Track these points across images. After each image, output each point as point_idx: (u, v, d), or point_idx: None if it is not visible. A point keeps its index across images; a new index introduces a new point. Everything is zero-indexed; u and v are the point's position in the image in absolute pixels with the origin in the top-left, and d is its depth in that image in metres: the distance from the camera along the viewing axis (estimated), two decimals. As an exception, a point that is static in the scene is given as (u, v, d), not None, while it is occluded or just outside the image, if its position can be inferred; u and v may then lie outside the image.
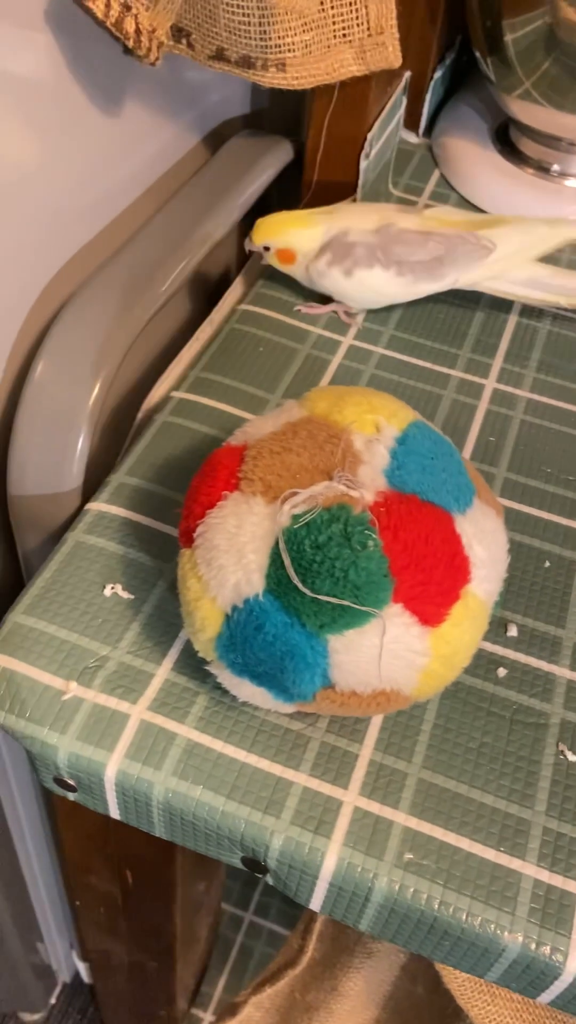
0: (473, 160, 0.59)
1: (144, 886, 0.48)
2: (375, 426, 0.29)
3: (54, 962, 0.86)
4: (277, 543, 0.27)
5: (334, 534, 0.26)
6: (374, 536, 0.26)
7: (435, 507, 0.28)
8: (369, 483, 0.28)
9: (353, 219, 0.45)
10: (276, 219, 0.45)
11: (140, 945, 0.55)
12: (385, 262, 0.43)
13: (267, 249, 0.45)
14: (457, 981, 0.39)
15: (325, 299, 0.48)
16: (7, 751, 0.56)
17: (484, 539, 0.29)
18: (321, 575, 0.26)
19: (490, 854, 0.29)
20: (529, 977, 0.29)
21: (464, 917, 0.28)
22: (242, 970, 0.71)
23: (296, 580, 0.26)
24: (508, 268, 0.45)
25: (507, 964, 0.28)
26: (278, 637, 0.27)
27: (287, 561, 0.26)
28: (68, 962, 0.86)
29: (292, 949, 0.54)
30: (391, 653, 0.27)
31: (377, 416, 0.30)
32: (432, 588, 0.27)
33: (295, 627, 0.26)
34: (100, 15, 0.34)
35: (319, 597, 0.26)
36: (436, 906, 0.28)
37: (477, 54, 0.55)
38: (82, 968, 0.85)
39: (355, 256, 0.43)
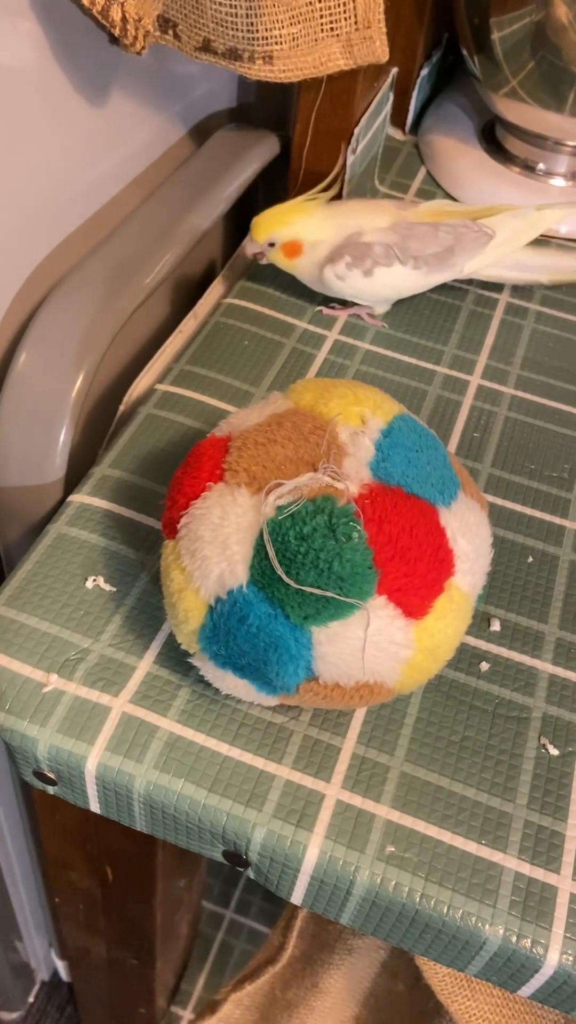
0: (459, 158, 0.59)
1: (124, 882, 0.47)
2: (360, 418, 0.29)
3: (33, 960, 0.85)
4: (261, 534, 0.26)
5: (319, 525, 0.26)
6: (359, 528, 0.26)
7: (420, 500, 0.28)
8: (354, 475, 0.28)
9: (361, 217, 0.44)
10: (275, 212, 0.44)
11: (120, 942, 0.54)
12: (403, 258, 0.44)
13: (272, 245, 0.44)
14: (438, 977, 0.39)
15: (343, 300, 0.47)
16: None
17: (468, 532, 0.29)
18: (305, 566, 0.26)
19: (472, 847, 0.29)
20: (510, 970, 0.29)
21: (445, 910, 0.28)
22: (222, 968, 0.71)
23: (280, 571, 0.26)
24: (506, 253, 0.46)
25: (488, 957, 0.28)
26: (262, 629, 0.26)
27: (271, 552, 0.26)
28: (47, 960, 0.86)
29: (273, 946, 0.54)
30: (375, 645, 0.27)
31: (363, 408, 0.29)
32: (416, 580, 0.27)
33: (279, 619, 0.26)
34: (86, 2, 0.34)
35: (303, 588, 0.26)
36: (418, 899, 0.28)
37: (464, 52, 0.55)
38: (61, 966, 0.84)
39: (374, 256, 0.43)
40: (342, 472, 0.28)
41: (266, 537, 0.26)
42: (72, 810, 0.43)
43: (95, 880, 0.48)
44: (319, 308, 0.47)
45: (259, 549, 0.26)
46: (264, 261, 0.46)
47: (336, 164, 0.50)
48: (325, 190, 0.46)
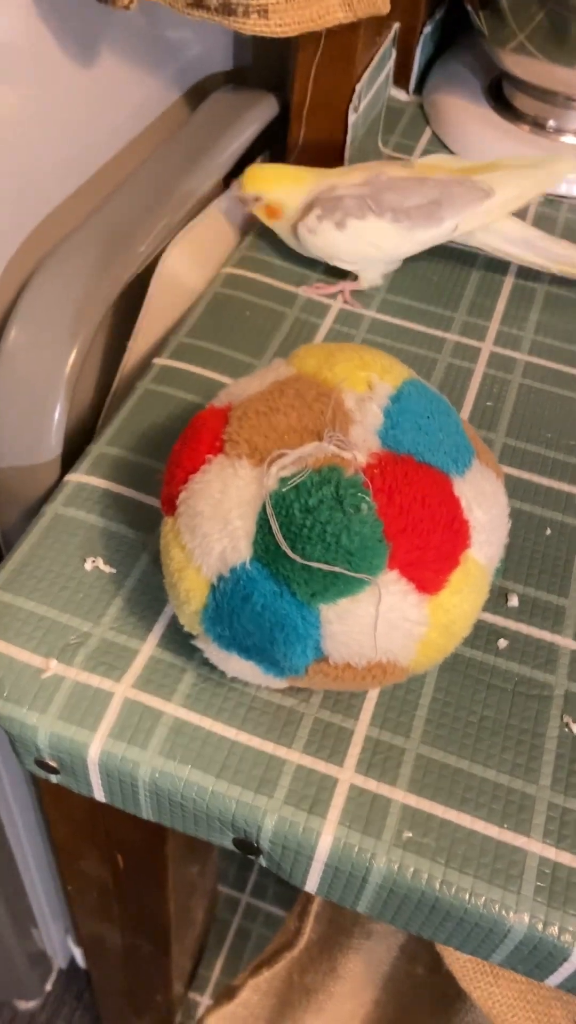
0: (466, 117, 0.57)
1: (136, 870, 0.46)
2: (367, 383, 0.28)
3: (49, 948, 0.85)
4: (264, 508, 0.25)
5: (325, 497, 0.24)
6: (367, 499, 0.25)
7: (432, 468, 0.27)
8: (361, 444, 0.26)
9: (339, 176, 0.43)
10: (271, 170, 0.43)
11: (134, 929, 0.54)
12: (378, 210, 0.41)
13: (258, 200, 0.43)
14: (459, 963, 0.38)
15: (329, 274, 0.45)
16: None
17: (484, 502, 0.28)
18: (312, 540, 0.24)
19: (493, 831, 0.28)
20: (536, 959, 0.27)
21: (467, 897, 0.27)
22: (239, 952, 0.71)
23: (285, 546, 0.24)
24: (508, 211, 0.43)
25: (512, 946, 0.27)
26: (267, 607, 0.25)
27: (275, 526, 0.25)
28: (63, 948, 0.86)
29: (289, 931, 0.53)
30: (387, 622, 0.25)
31: (370, 373, 0.28)
32: (430, 553, 0.26)
33: (285, 596, 0.25)
34: (68, -50, 0.32)
35: (310, 564, 0.24)
36: (437, 886, 0.27)
37: (468, 6, 0.53)
38: (78, 953, 0.84)
39: (345, 207, 0.41)
40: (349, 441, 0.26)
41: (269, 511, 0.25)
42: (79, 799, 0.42)
43: (106, 868, 0.47)
44: (302, 288, 0.45)
45: (262, 523, 0.25)
46: (248, 210, 0.45)
47: (337, 125, 0.48)
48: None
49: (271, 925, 0.72)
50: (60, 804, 0.43)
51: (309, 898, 0.53)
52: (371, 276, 0.44)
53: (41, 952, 0.84)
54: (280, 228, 0.44)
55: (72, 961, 0.88)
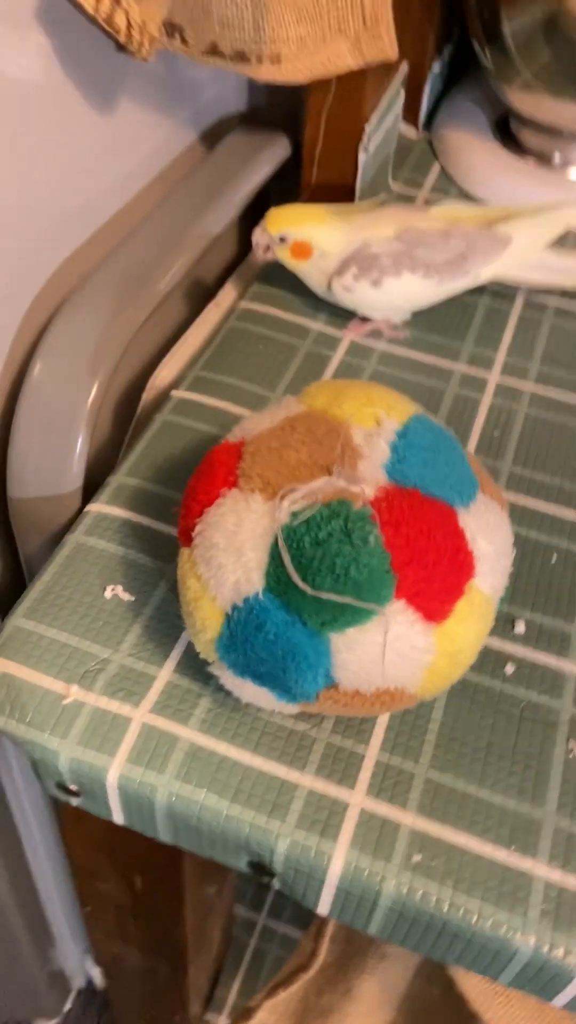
0: (473, 152, 0.58)
1: (153, 891, 0.47)
2: (375, 420, 0.29)
3: (67, 968, 0.85)
4: (276, 540, 0.26)
5: (334, 530, 0.26)
6: (375, 532, 0.26)
7: (437, 501, 0.28)
8: (369, 478, 0.27)
9: (370, 229, 0.44)
10: (295, 210, 0.43)
11: (152, 950, 0.54)
12: (412, 267, 0.43)
13: (283, 240, 0.43)
14: (471, 984, 0.38)
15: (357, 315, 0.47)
16: (14, 754, 0.56)
17: (488, 533, 0.29)
18: (322, 572, 0.25)
19: (500, 855, 0.29)
20: (543, 980, 0.28)
21: (475, 919, 0.27)
22: (256, 973, 0.71)
23: (296, 578, 0.25)
24: (524, 258, 0.45)
25: (519, 967, 0.28)
26: (279, 636, 0.26)
27: (286, 559, 0.26)
28: (82, 967, 0.86)
29: (305, 952, 0.54)
30: (395, 651, 0.26)
31: (377, 409, 0.29)
32: (435, 584, 0.27)
33: (296, 625, 0.26)
34: (91, 10, 0.34)
35: (320, 595, 0.25)
36: (446, 909, 0.28)
37: (476, 45, 0.55)
38: (96, 973, 0.84)
39: (381, 266, 0.42)
40: (357, 475, 0.27)
41: (281, 543, 0.26)
42: (98, 821, 0.43)
43: (124, 889, 0.48)
44: (344, 330, 0.46)
45: (274, 555, 0.26)
46: (269, 256, 0.44)
47: (348, 165, 0.50)
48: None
49: (288, 946, 0.72)
50: (79, 826, 0.44)
51: (325, 920, 0.53)
52: (400, 317, 0.46)
53: (60, 972, 0.84)
54: (306, 270, 0.44)
55: (90, 981, 0.88)
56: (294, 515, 0.26)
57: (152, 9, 0.36)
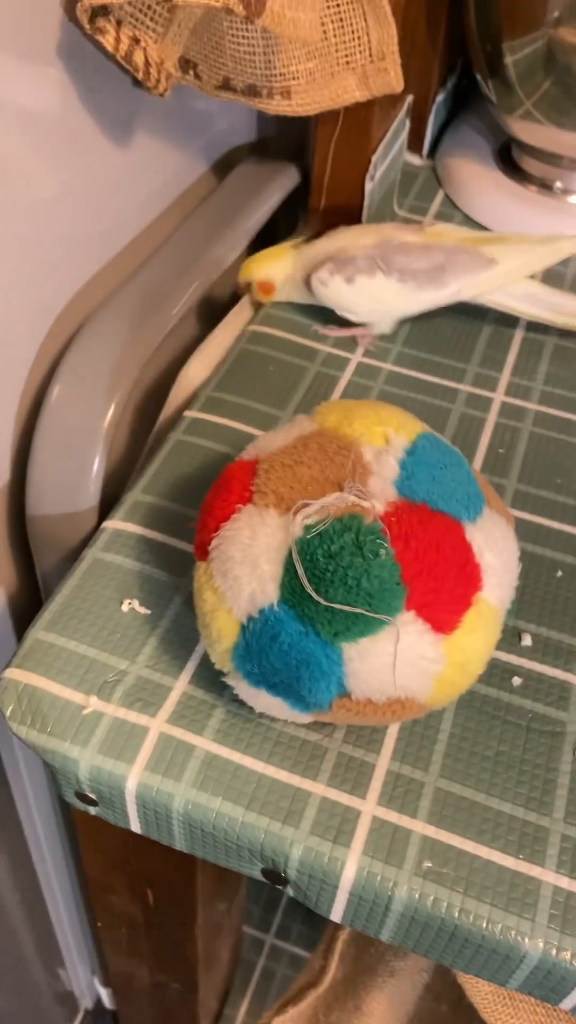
0: (476, 180, 0.60)
1: (165, 905, 0.48)
2: (384, 438, 0.30)
3: (76, 988, 0.85)
4: (291, 553, 0.27)
5: (346, 543, 0.27)
6: (386, 545, 0.27)
7: (445, 516, 0.29)
8: (379, 493, 0.28)
9: (349, 238, 0.46)
10: (252, 258, 0.48)
11: (162, 966, 0.55)
12: (387, 270, 0.44)
13: (249, 285, 0.48)
14: (480, 995, 0.39)
15: (344, 323, 0.48)
16: (27, 775, 0.57)
17: (495, 547, 0.29)
18: (334, 584, 0.26)
19: (509, 861, 0.29)
20: (551, 983, 0.29)
21: (484, 924, 0.28)
22: (264, 993, 0.71)
23: (310, 589, 0.26)
24: (509, 282, 0.46)
25: (528, 971, 0.28)
26: (293, 646, 0.27)
27: (300, 571, 0.27)
28: (90, 988, 0.86)
29: (314, 969, 0.54)
30: (405, 660, 0.27)
31: (386, 428, 0.30)
32: (444, 595, 0.27)
33: (310, 636, 0.27)
34: (111, 48, 0.36)
35: (333, 605, 0.26)
36: (456, 914, 0.28)
37: (478, 76, 0.56)
38: (104, 994, 0.84)
39: (355, 265, 0.44)
40: (367, 491, 0.28)
41: (295, 556, 0.27)
42: (113, 833, 0.43)
43: (136, 904, 0.49)
44: (313, 328, 0.48)
45: (289, 568, 0.27)
46: (253, 299, 0.50)
47: (355, 192, 0.51)
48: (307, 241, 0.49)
49: (296, 966, 0.72)
50: (94, 838, 0.45)
51: (334, 936, 0.53)
52: (382, 327, 0.48)
53: (68, 992, 0.84)
54: (283, 294, 0.48)
55: (99, 1002, 0.88)
56: (307, 529, 0.27)
57: (169, 47, 0.38)
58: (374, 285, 0.45)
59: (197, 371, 0.45)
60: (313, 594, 0.26)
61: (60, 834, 0.66)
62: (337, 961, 0.54)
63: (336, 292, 0.45)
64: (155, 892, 0.47)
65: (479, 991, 0.39)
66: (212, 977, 0.61)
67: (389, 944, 0.54)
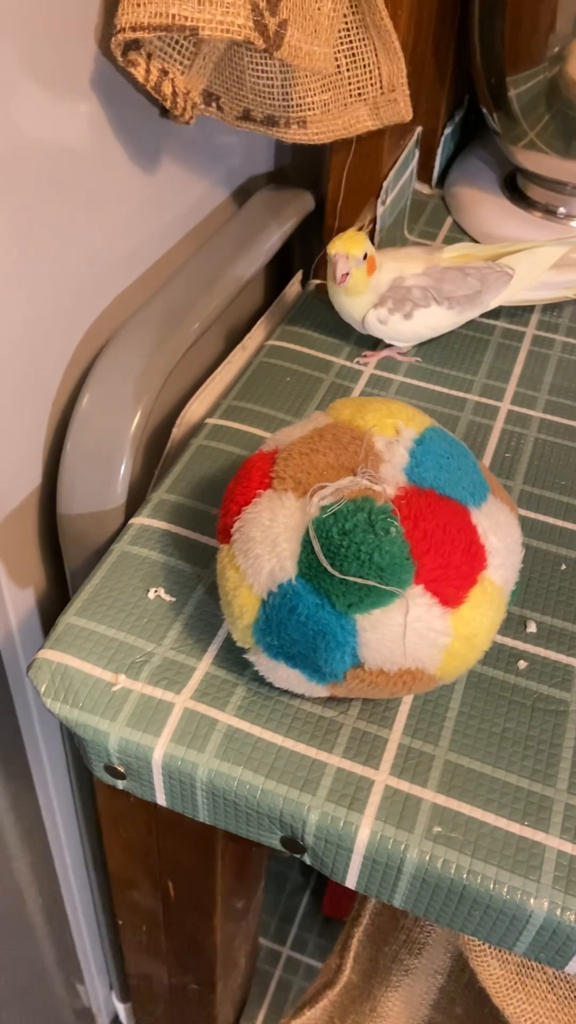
0: (484, 206, 0.63)
1: (185, 898, 0.49)
2: (395, 429, 0.32)
3: (94, 1004, 0.86)
4: (308, 532, 0.29)
5: (359, 522, 0.29)
6: (396, 523, 0.29)
7: (452, 501, 0.31)
8: (390, 479, 0.31)
9: (403, 261, 0.48)
10: (357, 233, 0.46)
11: (181, 964, 0.56)
12: (439, 299, 0.48)
13: (365, 258, 0.46)
14: (492, 979, 0.40)
15: (373, 344, 0.51)
16: (52, 775, 0.59)
17: (499, 531, 0.31)
18: (348, 558, 0.28)
19: (515, 828, 0.31)
20: (556, 945, 0.30)
21: (492, 886, 0.30)
22: (281, 1004, 0.71)
23: (326, 563, 0.28)
24: (525, 285, 0.50)
25: (534, 932, 0.30)
26: (310, 617, 0.29)
27: (317, 547, 0.29)
28: (108, 1004, 0.86)
29: (330, 969, 0.55)
30: (414, 632, 0.29)
31: (396, 420, 0.32)
32: (451, 571, 0.30)
33: (325, 607, 0.29)
34: (141, 79, 0.39)
35: (347, 578, 0.28)
36: (465, 876, 0.30)
37: (484, 109, 0.60)
38: (122, 1010, 0.85)
39: (413, 299, 0.47)
40: (379, 476, 0.30)
41: (312, 534, 0.29)
42: (135, 823, 0.45)
43: (157, 897, 0.50)
44: (356, 360, 0.50)
45: (306, 545, 0.29)
46: (348, 281, 0.46)
47: (367, 216, 0.54)
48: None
49: (311, 977, 0.73)
50: (117, 830, 0.46)
51: (349, 935, 0.54)
52: (410, 345, 0.51)
53: (87, 1009, 0.85)
54: (370, 285, 0.47)
55: (116, 1018, 0.88)
56: (323, 509, 0.29)
57: (194, 79, 0.41)
58: (429, 315, 0.48)
59: (198, 412, 0.48)
60: (329, 568, 0.28)
61: (80, 837, 0.67)
62: (352, 962, 0.54)
63: (394, 329, 0.48)
64: (176, 884, 0.48)
65: (491, 975, 0.40)
66: (230, 980, 0.62)
67: (404, 943, 0.54)
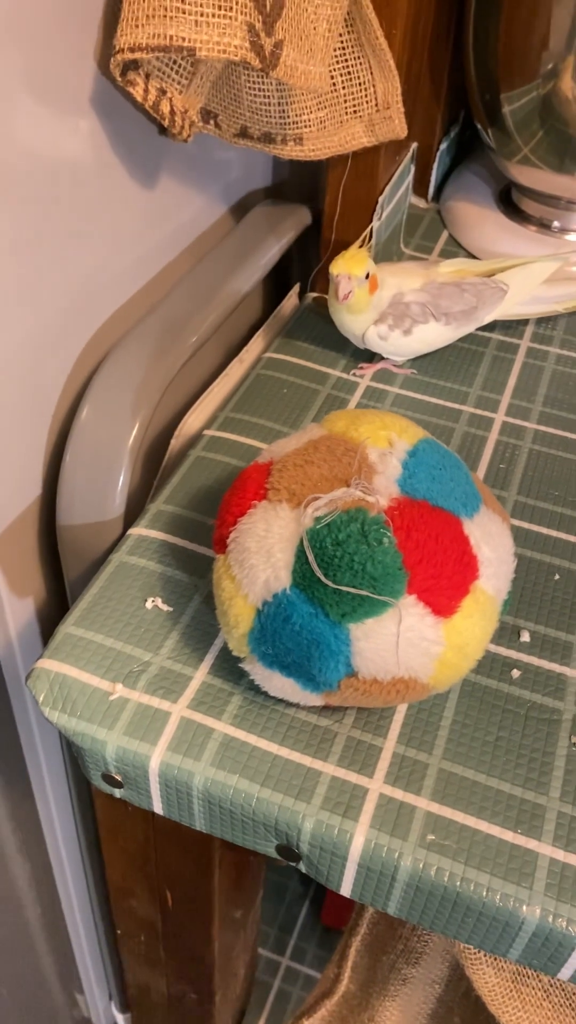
0: (479, 221, 0.63)
1: (183, 907, 0.49)
2: (388, 441, 0.33)
3: (93, 1015, 0.86)
4: (302, 542, 0.30)
5: (352, 532, 0.29)
6: (388, 534, 0.29)
7: (444, 511, 0.31)
8: (383, 490, 0.31)
9: (401, 276, 0.49)
10: (359, 252, 0.46)
11: (180, 973, 0.56)
12: (436, 315, 0.49)
13: (367, 277, 0.46)
14: (487, 987, 0.40)
15: (369, 356, 0.52)
16: (51, 784, 0.59)
17: (491, 541, 0.32)
18: (342, 568, 0.29)
19: (508, 835, 0.31)
20: (548, 951, 0.30)
21: (485, 893, 0.30)
22: (280, 1014, 0.71)
23: (319, 573, 0.29)
24: (519, 300, 0.51)
25: (527, 939, 0.30)
26: (304, 627, 0.30)
27: (311, 557, 0.29)
28: (107, 1014, 0.86)
29: (329, 979, 0.55)
30: (407, 641, 0.30)
31: (390, 432, 0.33)
32: (443, 581, 0.30)
33: (319, 617, 0.29)
34: (139, 99, 0.39)
35: (340, 588, 0.29)
36: (458, 883, 0.30)
37: (478, 125, 0.60)
38: (121, 1020, 0.84)
39: (412, 315, 0.48)
40: (372, 487, 0.31)
41: (306, 544, 0.29)
42: (133, 832, 0.45)
43: (155, 907, 0.50)
44: (352, 372, 0.51)
45: (300, 555, 0.30)
46: (350, 299, 0.47)
47: (363, 231, 0.55)
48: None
49: (310, 987, 0.73)
50: (116, 840, 0.46)
51: (347, 944, 0.55)
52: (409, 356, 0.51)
53: (86, 1019, 0.85)
54: (372, 303, 0.48)
55: (114, 1029, 0.88)
56: (317, 520, 0.30)
57: (192, 98, 0.42)
58: (427, 331, 0.49)
59: (196, 424, 0.49)
60: (322, 577, 0.29)
61: (80, 847, 0.68)
62: (350, 971, 0.55)
63: (394, 345, 0.49)
64: (174, 893, 0.48)
65: (486, 983, 0.40)
66: (228, 990, 0.62)
67: (401, 952, 0.55)
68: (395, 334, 0.48)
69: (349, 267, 0.46)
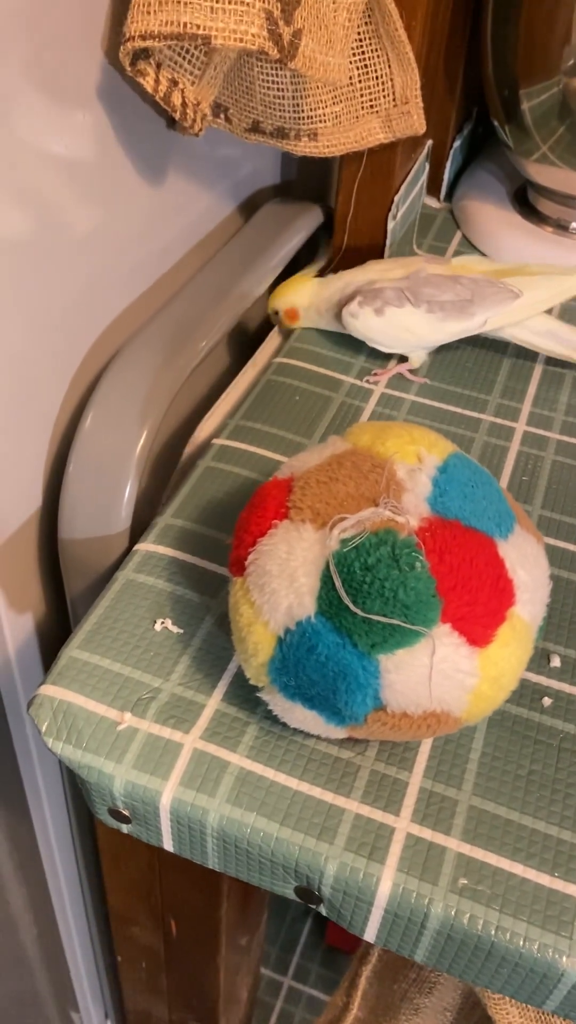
0: (493, 221, 0.61)
1: (188, 937, 0.47)
2: (417, 456, 0.31)
3: (89, 1034, 0.83)
4: (327, 566, 0.28)
5: (383, 556, 0.27)
6: (421, 558, 0.27)
7: (478, 532, 0.29)
8: (413, 509, 0.29)
9: (379, 271, 0.47)
10: (277, 289, 0.51)
11: (182, 1003, 0.54)
12: (415, 301, 0.46)
13: (276, 313, 0.51)
14: (507, 1020, 0.38)
15: (383, 362, 0.50)
16: (49, 808, 0.57)
17: (526, 563, 0.30)
18: (371, 595, 0.27)
19: (544, 879, 0.29)
20: (590, 1005, 0.28)
21: (521, 942, 0.28)
22: (283, 1037, 0.69)
23: (347, 600, 0.27)
24: (535, 313, 0.47)
25: (566, 990, 0.28)
26: (330, 658, 0.27)
27: (338, 583, 0.27)
28: (103, 1034, 0.84)
29: (337, 1007, 0.53)
30: (441, 673, 0.27)
31: (419, 447, 0.31)
32: (479, 609, 0.28)
33: (347, 647, 0.27)
34: (150, 89, 0.37)
35: (370, 617, 0.27)
36: (493, 932, 0.28)
37: (495, 122, 0.58)
38: (117, 1040, 0.82)
39: (384, 297, 0.46)
40: (402, 507, 0.29)
41: (332, 568, 0.27)
42: (137, 861, 0.43)
43: (158, 935, 0.48)
44: (365, 379, 0.49)
45: (326, 580, 0.28)
46: (283, 326, 0.52)
47: (378, 231, 0.53)
48: (325, 267, 0.53)
49: (314, 1009, 0.71)
50: (118, 867, 0.44)
51: (357, 972, 0.53)
52: (417, 356, 0.49)
53: (80, 1039, 0.83)
54: (309, 320, 0.51)
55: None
56: (344, 542, 0.28)
57: (204, 89, 0.40)
58: (403, 315, 0.46)
59: (210, 431, 0.47)
60: (351, 605, 0.27)
61: (78, 870, 0.65)
62: (360, 999, 0.53)
63: (365, 324, 0.46)
64: (179, 923, 0.46)
65: (507, 1015, 0.38)
66: (231, 1016, 0.60)
67: (414, 981, 0.53)
68: (365, 312, 0.46)
69: (270, 303, 0.51)
